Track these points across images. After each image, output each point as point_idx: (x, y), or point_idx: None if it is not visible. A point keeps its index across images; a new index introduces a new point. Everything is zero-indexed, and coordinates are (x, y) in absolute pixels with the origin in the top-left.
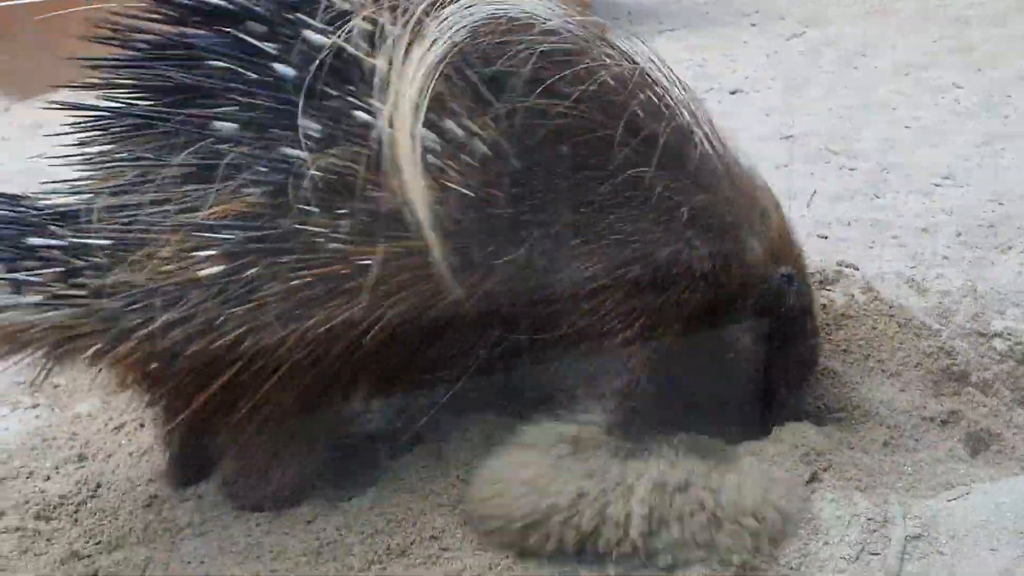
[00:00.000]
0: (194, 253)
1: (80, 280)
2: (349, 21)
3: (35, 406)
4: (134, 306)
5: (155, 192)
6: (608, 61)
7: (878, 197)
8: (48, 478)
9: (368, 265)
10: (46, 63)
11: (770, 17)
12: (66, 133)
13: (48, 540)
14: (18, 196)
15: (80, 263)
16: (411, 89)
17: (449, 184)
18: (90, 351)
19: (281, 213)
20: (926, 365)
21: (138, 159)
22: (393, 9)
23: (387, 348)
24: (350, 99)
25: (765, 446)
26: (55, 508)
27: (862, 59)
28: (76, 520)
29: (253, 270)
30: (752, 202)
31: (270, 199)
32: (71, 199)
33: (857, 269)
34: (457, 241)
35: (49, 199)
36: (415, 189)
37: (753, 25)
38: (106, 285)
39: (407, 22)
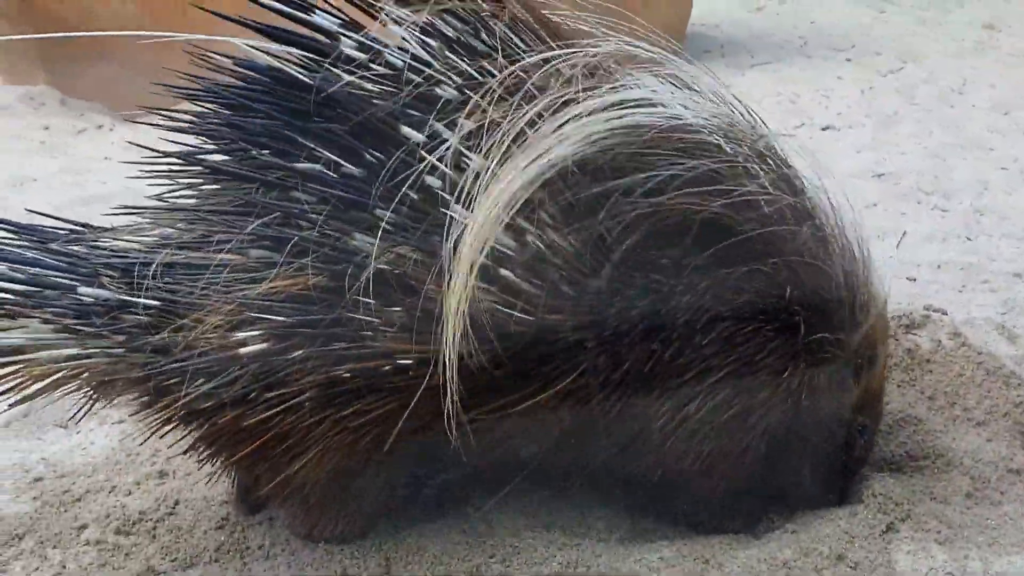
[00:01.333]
0: (241, 333)
1: (123, 335)
2: (450, 111)
3: (121, 421)
4: (172, 369)
5: (214, 256)
6: (755, 192)
7: (970, 240)
8: (129, 493)
9: (409, 365)
10: (146, 86)
11: (866, 52)
12: (145, 163)
13: (127, 555)
14: (78, 233)
15: (126, 318)
16: (495, 205)
17: (512, 300)
18: (128, 398)
19: (336, 300)
20: (1014, 415)
21: (205, 216)
22: (506, 98)
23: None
24: (432, 196)
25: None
26: (135, 523)
27: (959, 97)
28: (154, 536)
29: (297, 353)
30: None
31: (329, 283)
32: (130, 243)
33: (945, 313)
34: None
35: (108, 240)
36: (454, 303)
37: (848, 60)
38: (148, 344)
39: (515, 124)
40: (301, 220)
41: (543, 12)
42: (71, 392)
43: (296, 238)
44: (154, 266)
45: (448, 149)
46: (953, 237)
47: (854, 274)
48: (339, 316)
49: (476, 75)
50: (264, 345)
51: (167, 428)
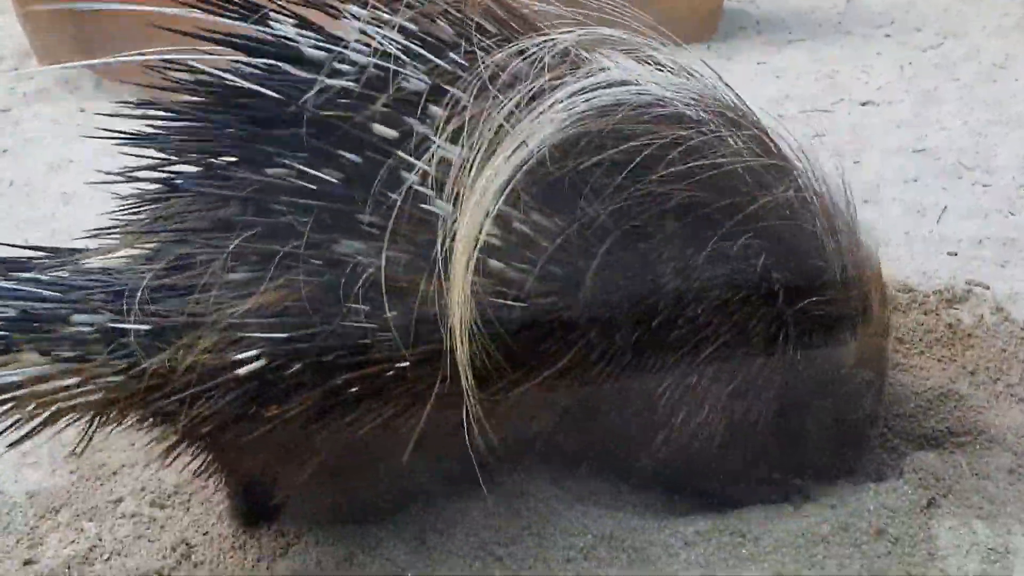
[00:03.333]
0: (235, 354)
1: (120, 359)
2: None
3: None
4: (169, 394)
5: (201, 276)
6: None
7: (1013, 215)
8: (164, 467)
9: (408, 368)
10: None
11: (906, 28)
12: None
13: (162, 527)
14: (70, 255)
15: (121, 345)
16: (483, 197)
17: (505, 290)
18: (129, 420)
19: (331, 310)
20: None
21: (188, 235)
22: (484, 88)
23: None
24: (418, 195)
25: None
26: (169, 496)
27: (1001, 72)
28: (188, 509)
29: (295, 367)
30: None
31: (321, 295)
32: (116, 263)
33: (988, 288)
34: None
35: (93, 262)
36: (457, 296)
37: (887, 36)
38: (143, 370)
39: (496, 112)
40: (283, 232)
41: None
42: (74, 421)
43: (280, 252)
44: (141, 290)
45: (432, 145)
46: (995, 212)
47: (837, 231)
48: (334, 326)
49: (447, 67)
50: (260, 363)
51: (169, 450)
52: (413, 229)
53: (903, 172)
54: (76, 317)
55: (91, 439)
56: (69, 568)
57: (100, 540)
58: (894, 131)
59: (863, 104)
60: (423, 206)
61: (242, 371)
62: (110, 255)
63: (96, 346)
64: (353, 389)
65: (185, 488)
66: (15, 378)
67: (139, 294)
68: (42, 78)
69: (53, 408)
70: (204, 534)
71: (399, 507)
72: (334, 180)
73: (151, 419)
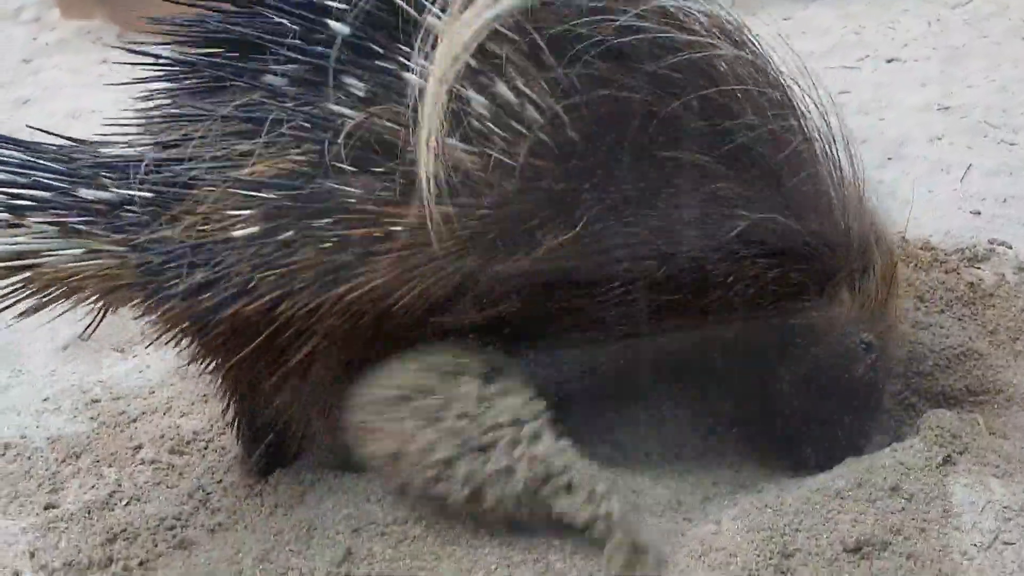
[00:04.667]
0: (232, 212)
1: (123, 233)
2: None
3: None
4: (170, 263)
5: (199, 147)
6: (715, 48)
7: None
8: (183, 415)
9: (401, 230)
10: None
11: None
12: (130, 83)
13: (180, 474)
14: (77, 144)
15: (125, 216)
16: (453, 45)
17: (491, 152)
18: (132, 303)
19: (321, 173)
20: None
21: (189, 113)
22: None
23: (420, 320)
24: (399, 57)
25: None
26: (188, 443)
27: None
28: (204, 456)
29: (288, 233)
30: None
31: (312, 157)
32: (127, 151)
33: (1010, 247)
34: (497, 214)
35: (107, 149)
36: (425, 150)
37: None
38: (145, 239)
39: None
40: (273, 99)
41: None
42: (83, 300)
43: (270, 116)
44: (146, 163)
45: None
46: (1020, 171)
47: (831, 181)
48: (324, 188)
49: None
50: (255, 228)
51: (171, 335)
52: (397, 95)
53: (928, 130)
54: (83, 191)
55: (99, 324)
56: (89, 513)
57: (120, 486)
58: (920, 88)
59: (889, 61)
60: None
61: (238, 233)
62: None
63: (100, 218)
64: (345, 254)
65: (203, 435)
66: (27, 246)
67: (144, 166)
68: (63, 29)
69: (63, 284)
70: (218, 482)
71: None
72: (319, 49)
73: (153, 301)
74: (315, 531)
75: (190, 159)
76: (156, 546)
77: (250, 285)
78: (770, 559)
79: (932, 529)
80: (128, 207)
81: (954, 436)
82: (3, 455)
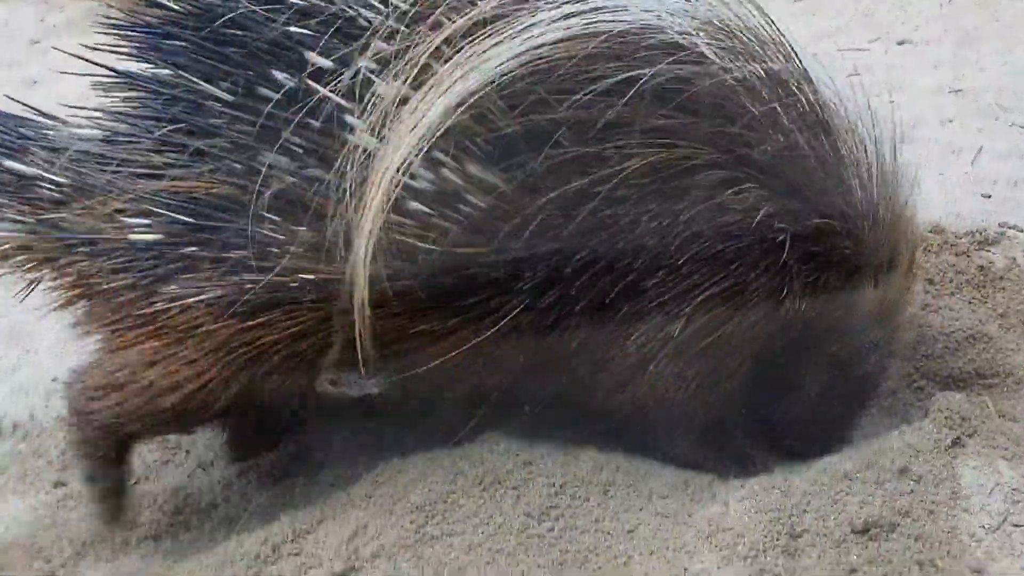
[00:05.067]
0: (130, 219)
1: (37, 206)
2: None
3: None
4: (77, 247)
5: (126, 152)
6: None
7: None
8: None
9: (311, 283)
10: None
11: None
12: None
13: (187, 452)
14: (24, 119)
15: (43, 190)
16: (406, 135)
17: (425, 235)
18: (44, 273)
19: (241, 211)
20: None
21: (129, 120)
22: (432, 27)
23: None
24: (345, 122)
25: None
26: None
27: None
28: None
29: (190, 249)
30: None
31: (236, 192)
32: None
33: (1021, 231)
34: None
35: (53, 129)
36: (365, 228)
37: None
38: (55, 217)
39: (432, 51)
40: (210, 133)
41: None
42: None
43: (203, 145)
44: (71, 151)
45: (358, 75)
46: None
47: (858, 166)
48: (241, 226)
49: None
50: (155, 236)
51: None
52: (334, 155)
53: (939, 112)
54: (7, 162)
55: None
56: None
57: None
58: (931, 71)
59: (900, 43)
60: (348, 136)
61: (134, 237)
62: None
63: (16, 190)
64: (253, 292)
65: None
66: None
67: (69, 152)
68: (72, 10)
69: None
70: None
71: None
72: (269, 98)
73: (59, 272)
74: None
75: (116, 159)
76: (163, 523)
77: (145, 284)
78: (777, 540)
79: (941, 511)
80: (46, 185)
81: (963, 418)
82: (13, 434)
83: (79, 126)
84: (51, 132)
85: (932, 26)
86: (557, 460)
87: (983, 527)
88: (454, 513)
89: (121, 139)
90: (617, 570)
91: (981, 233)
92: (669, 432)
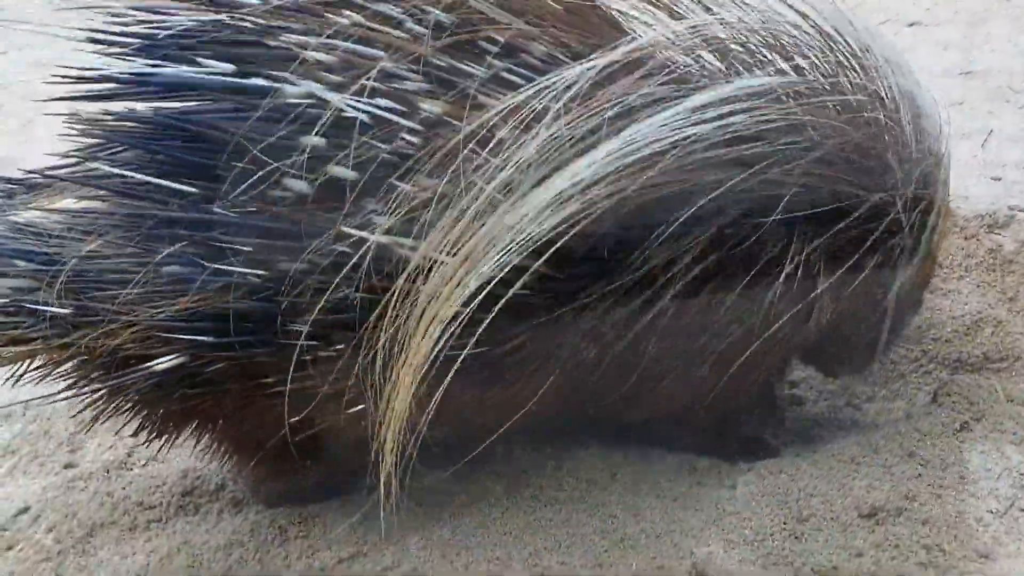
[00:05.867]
0: (156, 351)
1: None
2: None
3: None
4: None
5: (124, 268)
6: None
7: None
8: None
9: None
10: None
11: None
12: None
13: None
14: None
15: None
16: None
17: None
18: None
19: (266, 325)
20: None
21: (120, 223)
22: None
23: None
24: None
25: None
26: None
27: None
28: None
29: (218, 367)
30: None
31: (251, 306)
32: (45, 218)
33: None
34: None
35: (22, 208)
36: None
37: None
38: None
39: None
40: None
41: None
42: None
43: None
44: (67, 270)
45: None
46: None
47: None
48: (268, 338)
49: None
50: (181, 360)
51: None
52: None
53: (949, 95)
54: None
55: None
56: (108, 472)
57: (137, 447)
58: (941, 53)
59: (910, 25)
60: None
61: (160, 367)
62: (47, 202)
63: (17, 315)
64: (277, 390)
65: None
66: None
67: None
68: None
69: None
70: None
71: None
72: (276, 205)
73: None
74: None
75: (116, 281)
76: (172, 504)
77: (174, 396)
78: (784, 523)
79: (948, 495)
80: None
81: (971, 403)
82: (23, 415)
83: (46, 196)
84: (19, 216)
85: (942, 8)
86: (564, 444)
87: (990, 511)
88: (462, 496)
89: (115, 252)
90: (624, 553)
91: (991, 216)
92: (681, 418)
